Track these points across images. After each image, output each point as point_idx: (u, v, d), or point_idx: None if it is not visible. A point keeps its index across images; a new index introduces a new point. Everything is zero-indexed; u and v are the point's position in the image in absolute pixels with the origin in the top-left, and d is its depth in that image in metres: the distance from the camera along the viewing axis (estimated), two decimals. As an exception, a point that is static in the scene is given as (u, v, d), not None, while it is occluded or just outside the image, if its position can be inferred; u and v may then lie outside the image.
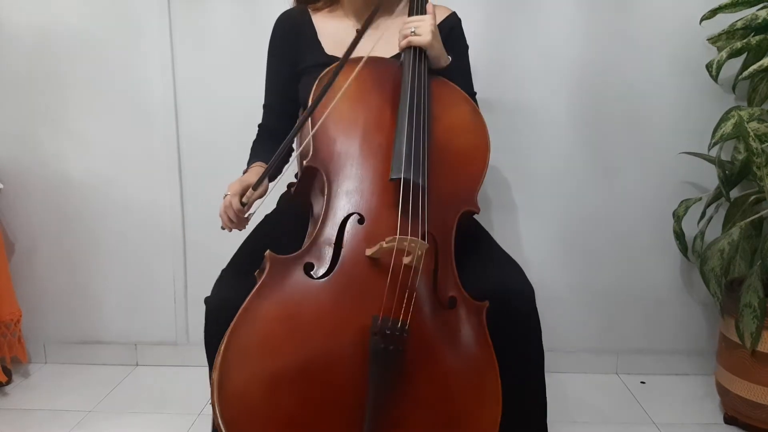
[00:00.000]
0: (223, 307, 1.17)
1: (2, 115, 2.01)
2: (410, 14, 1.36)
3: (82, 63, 1.97)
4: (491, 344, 1.15)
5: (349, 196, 1.19)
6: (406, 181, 1.17)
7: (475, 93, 1.48)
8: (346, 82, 1.25)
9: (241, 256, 1.33)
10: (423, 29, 1.30)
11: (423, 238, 1.15)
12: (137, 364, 2.12)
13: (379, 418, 1.06)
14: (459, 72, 1.41)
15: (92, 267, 2.08)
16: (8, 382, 1.97)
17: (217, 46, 1.94)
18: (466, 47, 1.50)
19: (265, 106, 1.53)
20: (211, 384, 1.05)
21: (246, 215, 1.29)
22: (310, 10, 1.49)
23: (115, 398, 1.91)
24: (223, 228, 1.32)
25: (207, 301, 1.24)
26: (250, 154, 1.49)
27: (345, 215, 1.17)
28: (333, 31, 1.46)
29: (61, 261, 2.08)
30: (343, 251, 1.14)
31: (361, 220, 1.17)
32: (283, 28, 1.49)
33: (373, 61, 1.33)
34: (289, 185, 1.40)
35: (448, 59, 1.35)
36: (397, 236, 1.11)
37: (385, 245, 1.10)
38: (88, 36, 1.95)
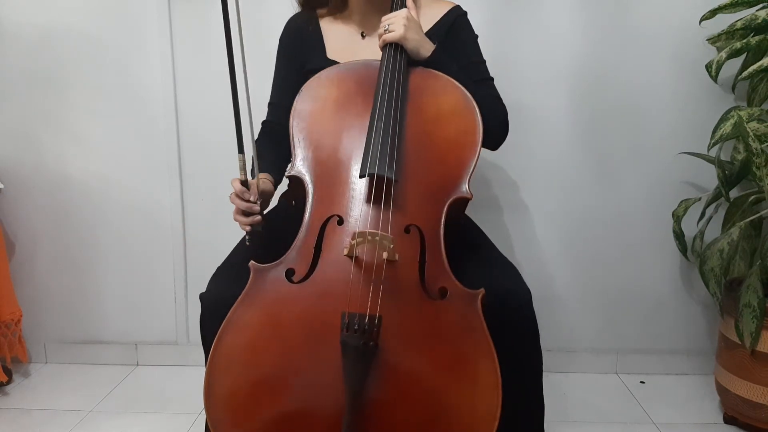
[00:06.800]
0: (218, 304, 1.18)
1: (3, 115, 2.01)
2: (390, 11, 1.36)
3: (82, 63, 1.97)
4: (488, 333, 1.11)
5: (329, 200, 1.21)
6: (373, 176, 1.18)
7: (492, 78, 1.46)
8: (330, 91, 1.27)
9: (237, 254, 1.34)
10: (395, 24, 1.31)
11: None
12: (137, 364, 2.12)
13: (359, 414, 1.06)
14: (466, 61, 1.42)
15: (92, 267, 2.08)
16: (8, 382, 1.97)
17: (217, 47, 1.93)
18: (474, 37, 1.48)
19: (270, 104, 1.53)
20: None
21: (254, 199, 1.22)
22: (317, 14, 1.51)
23: (115, 398, 1.91)
24: (246, 241, 1.26)
25: (202, 297, 1.25)
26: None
27: (325, 218, 1.19)
28: (337, 35, 1.47)
29: (61, 261, 2.08)
30: (322, 254, 1.16)
31: (340, 221, 1.19)
32: (290, 32, 1.52)
33: (359, 66, 1.35)
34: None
35: (431, 48, 1.34)
36: (357, 231, 1.12)
37: (353, 243, 1.12)
38: (88, 36, 1.95)
